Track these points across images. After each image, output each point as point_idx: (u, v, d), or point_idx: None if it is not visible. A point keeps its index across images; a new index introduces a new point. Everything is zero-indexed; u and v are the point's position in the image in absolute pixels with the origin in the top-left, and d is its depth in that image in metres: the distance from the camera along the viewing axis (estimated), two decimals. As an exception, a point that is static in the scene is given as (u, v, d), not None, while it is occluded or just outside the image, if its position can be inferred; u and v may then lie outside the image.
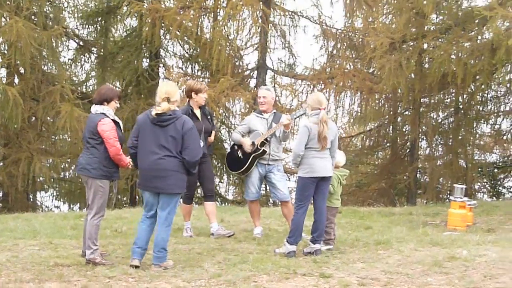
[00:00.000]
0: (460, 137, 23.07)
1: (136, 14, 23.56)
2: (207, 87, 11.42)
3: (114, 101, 9.51)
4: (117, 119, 9.50)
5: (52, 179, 24.05)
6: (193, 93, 11.14)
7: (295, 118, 11.22)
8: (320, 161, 9.74)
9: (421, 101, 23.28)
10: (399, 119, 25.01)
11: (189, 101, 11.24)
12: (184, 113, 10.10)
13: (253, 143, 11.39)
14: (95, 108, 9.47)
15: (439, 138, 24.35)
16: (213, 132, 11.61)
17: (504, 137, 24.41)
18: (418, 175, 24.64)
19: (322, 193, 9.89)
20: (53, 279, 8.38)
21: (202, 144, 10.76)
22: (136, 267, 8.94)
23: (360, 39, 23.79)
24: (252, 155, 11.39)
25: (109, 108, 9.44)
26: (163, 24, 22.38)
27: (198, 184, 11.85)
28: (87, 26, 25.75)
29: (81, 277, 8.52)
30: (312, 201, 9.98)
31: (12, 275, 8.52)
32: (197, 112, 11.21)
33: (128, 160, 9.37)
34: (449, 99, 23.86)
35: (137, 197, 24.64)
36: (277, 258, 9.56)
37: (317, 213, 9.90)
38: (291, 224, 10.04)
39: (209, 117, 11.51)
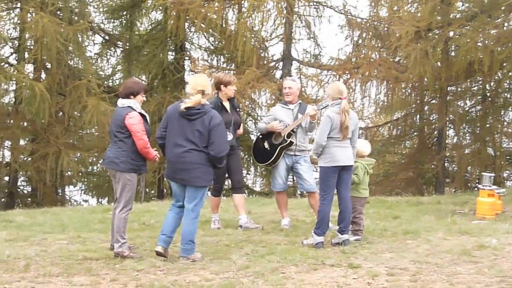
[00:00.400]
0: (487, 125, 22.91)
1: (160, 7, 23.62)
2: (236, 79, 11.39)
3: (141, 94, 9.52)
4: (144, 112, 9.51)
5: (80, 173, 24.20)
6: (222, 86, 11.12)
7: (321, 109, 11.18)
8: (341, 150, 9.70)
9: (448, 89, 23.13)
10: (426, 107, 24.84)
11: (218, 93, 11.22)
12: (213, 105, 10.11)
13: (279, 134, 11.37)
14: (122, 102, 9.47)
15: (466, 127, 24.19)
16: (241, 125, 11.61)
17: (533, 124, 24.21)
18: (446, 164, 24.48)
19: (345, 182, 9.86)
20: (81, 273, 8.42)
21: (231, 136, 10.78)
22: (159, 253, 8.99)
23: (385, 28, 23.62)
24: (279, 146, 11.37)
25: (136, 101, 9.44)
26: (187, 17, 22.38)
27: (226, 176, 11.85)
28: (112, 20, 25.87)
29: (109, 270, 8.55)
30: (336, 192, 9.95)
31: (41, 269, 8.56)
32: (226, 105, 11.19)
33: (155, 153, 9.40)
34: (476, 87, 23.71)
35: (164, 190, 24.72)
36: (305, 249, 9.55)
37: (342, 203, 9.87)
38: (317, 215, 10.02)
39: (238, 109, 11.51)
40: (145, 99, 9.79)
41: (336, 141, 9.70)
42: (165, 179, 24.44)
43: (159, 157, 9.60)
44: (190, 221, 9.03)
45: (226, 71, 22.06)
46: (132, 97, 9.45)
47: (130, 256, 9.18)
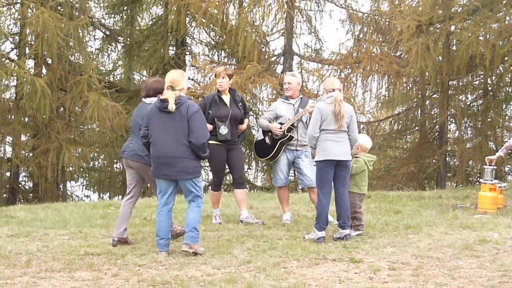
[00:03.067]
0: (489, 119, 22.87)
1: (161, 2, 23.64)
2: (225, 72, 11.26)
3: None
4: None
5: (81, 169, 24.18)
6: (215, 79, 11.16)
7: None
8: (335, 144, 9.69)
9: (449, 83, 23.09)
10: (427, 102, 24.81)
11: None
12: (210, 98, 10.16)
13: (281, 127, 11.38)
14: (150, 100, 9.62)
15: (468, 121, 24.15)
16: (246, 120, 11.58)
17: (534, 119, 24.19)
18: (447, 158, 24.47)
19: (342, 178, 9.85)
20: (83, 268, 8.44)
21: (226, 130, 10.77)
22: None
23: (387, 23, 23.60)
24: (280, 141, 11.37)
25: None
26: (188, 12, 22.37)
27: (228, 171, 11.84)
28: (113, 16, 25.84)
29: (111, 265, 8.57)
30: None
31: (43, 265, 8.58)
32: (226, 98, 11.17)
33: None
34: (477, 81, 23.67)
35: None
36: (307, 244, 9.55)
37: (339, 199, 9.87)
38: (316, 209, 10.02)
39: (240, 104, 11.44)
40: None
41: (330, 134, 9.69)
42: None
43: None
44: (193, 209, 9.12)
45: (227, 66, 22.07)
46: (158, 95, 9.52)
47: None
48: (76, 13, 22.64)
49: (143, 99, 9.78)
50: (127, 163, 9.84)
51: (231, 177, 11.87)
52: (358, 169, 10.30)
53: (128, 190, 9.89)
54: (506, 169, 25.34)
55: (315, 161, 9.92)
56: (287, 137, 11.34)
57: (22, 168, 23.64)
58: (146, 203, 14.36)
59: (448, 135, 24.29)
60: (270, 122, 11.59)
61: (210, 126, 10.91)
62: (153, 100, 9.47)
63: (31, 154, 22.84)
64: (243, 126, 11.45)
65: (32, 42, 21.70)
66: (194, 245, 9.01)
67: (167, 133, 8.95)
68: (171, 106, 8.87)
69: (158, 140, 9.02)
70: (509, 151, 23.85)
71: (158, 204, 9.29)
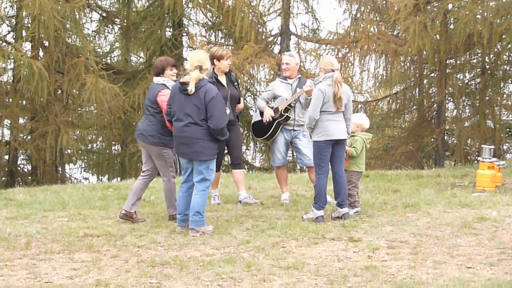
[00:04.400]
0: (487, 98, 22.84)
1: (158, -17, 23.51)
2: (229, 53, 11.30)
3: (167, 70, 9.93)
4: None
5: (79, 151, 24.18)
6: (215, 60, 11.04)
7: (317, 84, 11.15)
8: (334, 124, 9.73)
9: (447, 62, 23.03)
10: (425, 81, 24.75)
11: (213, 68, 11.19)
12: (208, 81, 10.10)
13: (277, 109, 11.39)
14: (157, 79, 9.91)
15: (466, 99, 24.13)
16: (242, 99, 11.59)
17: (532, 96, 24.17)
18: (445, 137, 24.46)
19: (339, 156, 9.90)
20: (83, 249, 8.47)
21: (228, 111, 10.77)
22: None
23: (384, 1, 23.53)
24: (276, 121, 11.38)
25: (168, 79, 9.87)
26: (185, -7, 22.30)
27: (226, 151, 11.85)
28: (109, -3, 25.77)
29: (110, 247, 8.60)
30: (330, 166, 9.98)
31: (42, 247, 8.61)
32: (222, 79, 11.14)
33: None
34: (475, 60, 23.61)
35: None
36: (305, 224, 9.59)
37: (336, 178, 9.91)
38: (314, 189, 10.04)
39: (235, 83, 11.45)
40: (176, 72, 10.12)
41: (329, 114, 9.71)
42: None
43: None
44: (198, 193, 9.23)
45: (224, 47, 22.01)
46: (161, 75, 9.85)
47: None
48: (73, -5, 22.56)
49: (153, 79, 10.07)
50: (138, 141, 10.19)
51: (229, 157, 11.86)
52: (359, 149, 10.32)
53: (143, 167, 10.24)
54: (505, 147, 25.36)
55: (314, 141, 9.93)
56: (284, 117, 11.34)
57: (21, 151, 23.61)
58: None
59: (446, 114, 24.27)
60: (267, 102, 11.63)
61: (241, 106, 11.40)
62: (159, 79, 9.81)
63: (29, 137, 22.82)
64: (240, 106, 11.44)
65: (29, 25, 21.62)
66: (200, 228, 9.12)
67: (184, 113, 9.14)
68: (191, 88, 9.02)
69: (177, 119, 9.25)
70: (507, 129, 23.97)
71: (180, 180, 9.61)
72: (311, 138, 10.44)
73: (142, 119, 10.09)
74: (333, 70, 9.81)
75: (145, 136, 9.83)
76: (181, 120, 9.16)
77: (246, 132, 23.26)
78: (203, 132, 9.08)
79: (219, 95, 9.26)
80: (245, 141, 23.89)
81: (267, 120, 11.42)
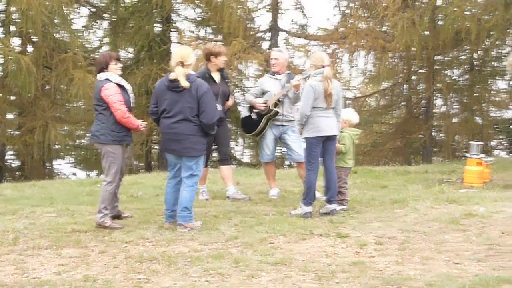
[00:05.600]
0: (475, 94, 22.95)
1: (145, -21, 23.46)
2: (226, 50, 11.33)
3: (111, 64, 9.51)
4: (123, 82, 9.55)
5: (67, 147, 24.15)
6: (212, 57, 11.04)
7: (305, 78, 11.15)
8: (325, 120, 9.72)
9: (435, 58, 23.12)
10: (413, 77, 24.84)
11: (207, 64, 11.17)
12: (200, 76, 10.10)
13: (265, 104, 11.38)
14: (99, 76, 9.53)
15: (454, 96, 24.22)
16: (231, 96, 11.58)
17: (520, 93, 24.23)
18: (433, 133, 24.55)
19: (330, 152, 9.89)
20: (70, 245, 8.44)
21: (220, 107, 10.76)
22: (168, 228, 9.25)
23: (372, -3, 23.58)
24: (265, 116, 11.37)
25: (112, 73, 9.47)
26: (173, -12, 22.28)
27: (214, 147, 11.85)
28: (98, -8, 25.69)
29: (98, 242, 8.57)
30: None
31: (30, 242, 8.58)
32: (215, 75, 11.13)
33: (139, 122, 9.47)
34: (463, 56, 23.71)
35: (152, 162, 24.71)
36: (293, 219, 9.57)
37: (327, 173, 9.90)
38: (304, 185, 10.04)
39: (227, 80, 11.46)
40: (121, 66, 9.76)
41: (320, 110, 9.70)
42: (151, 151, 24.48)
43: (145, 127, 9.66)
44: (186, 188, 9.19)
45: (214, 42, 22.00)
46: (105, 70, 9.46)
47: (113, 226, 9.29)
48: (61, -10, 22.49)
49: (97, 76, 9.64)
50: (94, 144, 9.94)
51: (217, 153, 11.85)
52: (348, 146, 10.32)
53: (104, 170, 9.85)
54: (492, 143, 25.46)
55: (305, 137, 9.92)
56: (272, 112, 11.34)
57: (8, 147, 23.57)
58: (132, 180, 14.36)
59: (434, 110, 24.36)
60: (256, 97, 11.60)
61: (230, 102, 11.35)
62: (102, 75, 9.43)
63: (17, 132, 22.77)
64: (229, 103, 11.43)
65: (17, 20, 21.56)
66: (188, 224, 9.10)
67: (175, 110, 9.08)
68: (184, 84, 8.97)
69: (166, 117, 9.17)
70: (495, 126, 24.03)
71: (167, 176, 9.59)
72: (301, 134, 10.44)
73: (94, 121, 9.62)
74: (323, 66, 9.79)
75: (97, 136, 9.45)
76: (172, 116, 9.10)
77: (234, 128, 23.27)
78: (195, 128, 9.06)
79: (210, 91, 9.25)
80: (233, 137, 23.91)
81: (262, 108, 11.38)
